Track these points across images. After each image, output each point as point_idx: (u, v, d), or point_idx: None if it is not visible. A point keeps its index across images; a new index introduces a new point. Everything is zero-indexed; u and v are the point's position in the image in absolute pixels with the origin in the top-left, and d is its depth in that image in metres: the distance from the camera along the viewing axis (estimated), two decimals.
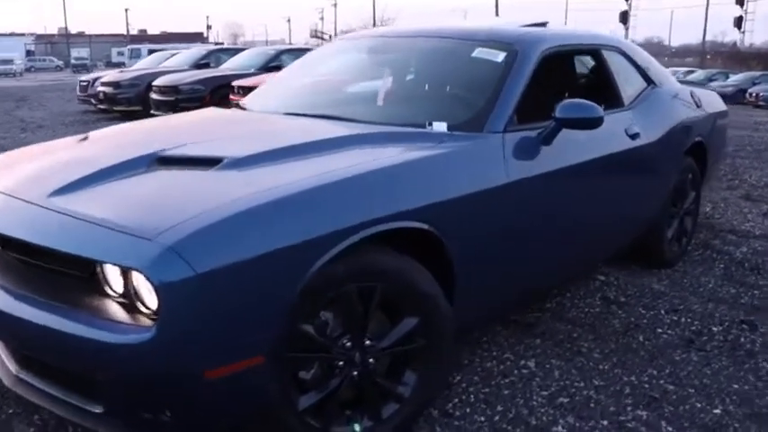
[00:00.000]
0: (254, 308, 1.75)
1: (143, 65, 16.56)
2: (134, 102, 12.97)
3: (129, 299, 1.77)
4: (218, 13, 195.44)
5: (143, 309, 1.74)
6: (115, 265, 1.72)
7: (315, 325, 1.99)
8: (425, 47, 3.16)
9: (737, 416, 2.46)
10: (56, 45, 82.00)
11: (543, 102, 2.74)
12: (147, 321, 1.71)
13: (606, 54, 3.43)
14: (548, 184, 2.64)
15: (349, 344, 2.06)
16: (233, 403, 1.85)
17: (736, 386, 2.67)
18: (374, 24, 71.27)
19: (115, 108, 13.04)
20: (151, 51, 23.18)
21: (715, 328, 3.21)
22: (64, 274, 1.89)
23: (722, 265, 4.18)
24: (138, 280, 1.72)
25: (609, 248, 3.46)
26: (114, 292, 1.81)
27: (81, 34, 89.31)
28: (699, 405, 2.52)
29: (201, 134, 2.60)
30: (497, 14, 52.85)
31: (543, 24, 3.45)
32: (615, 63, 3.48)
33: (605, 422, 2.39)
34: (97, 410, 1.89)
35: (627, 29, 44.06)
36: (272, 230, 1.78)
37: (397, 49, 3.28)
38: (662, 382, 2.69)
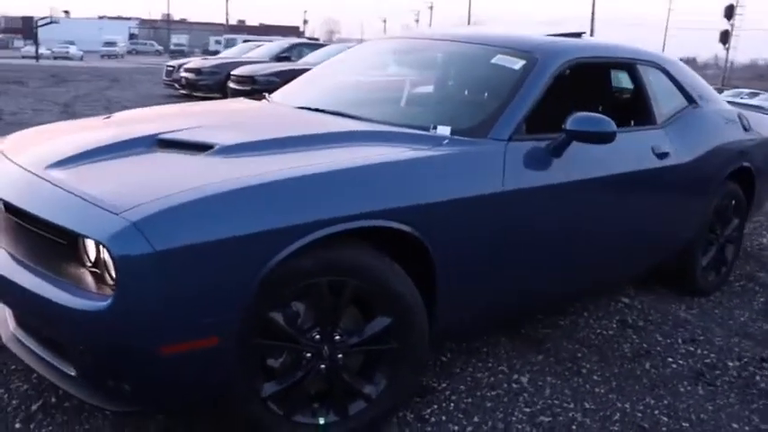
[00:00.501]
0: (211, 290, 1.80)
1: (227, 54, 17.13)
2: (214, 89, 13.41)
3: (100, 269, 1.86)
4: (317, 9, 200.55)
5: (109, 280, 1.82)
6: (82, 235, 1.81)
7: (284, 314, 2.03)
8: (449, 51, 3.15)
9: None
10: (158, 30, 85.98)
11: (564, 113, 2.67)
12: (109, 291, 1.79)
13: (641, 69, 3.31)
14: (553, 196, 2.58)
15: (318, 337, 2.09)
16: (189, 381, 1.90)
17: (735, 425, 2.54)
18: None
19: (195, 94, 13.53)
20: (246, 42, 24.07)
21: (731, 363, 3.05)
22: (51, 241, 1.99)
23: (762, 299, 3.96)
24: (107, 251, 1.81)
25: (627, 269, 3.34)
26: (89, 261, 1.91)
27: (183, 21, 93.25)
28: None
29: (212, 120, 2.68)
30: (592, 28, 51.85)
31: (578, 35, 3.37)
32: (651, 79, 3.34)
33: None
34: (72, 374, 2.00)
35: (727, 49, 42.09)
36: (237, 217, 1.82)
37: (422, 52, 3.27)
38: (656, 412, 2.59)
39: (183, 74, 13.91)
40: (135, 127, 2.46)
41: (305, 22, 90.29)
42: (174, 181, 1.93)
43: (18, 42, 61.68)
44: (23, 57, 41.48)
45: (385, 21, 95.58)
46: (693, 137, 3.41)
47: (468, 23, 72.38)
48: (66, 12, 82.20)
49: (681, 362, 3.03)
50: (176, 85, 14.60)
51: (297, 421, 2.12)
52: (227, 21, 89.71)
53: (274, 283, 1.93)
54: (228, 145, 2.16)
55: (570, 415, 2.51)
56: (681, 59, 4.04)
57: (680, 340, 3.26)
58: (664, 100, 3.39)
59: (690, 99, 3.55)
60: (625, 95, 3.66)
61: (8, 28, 69.35)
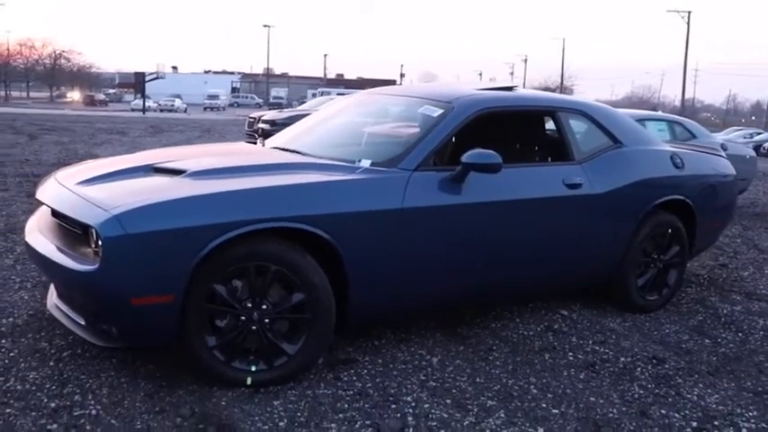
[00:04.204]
0: (166, 262, 2.69)
1: (304, 107, 18.59)
2: None
3: (97, 247, 2.79)
4: (415, 63, 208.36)
5: (101, 254, 2.75)
6: (87, 225, 2.75)
7: (227, 287, 2.89)
8: (395, 103, 4.00)
9: (568, 417, 2.95)
10: (259, 84, 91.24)
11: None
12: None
13: (562, 115, 4.01)
14: (450, 214, 3.33)
15: (250, 305, 2.93)
16: (155, 326, 2.79)
17: (592, 399, 3.14)
18: (561, 81, 73.01)
19: None
20: (340, 94, 26.06)
21: (623, 359, 3.62)
22: (74, 232, 2.96)
23: (700, 318, 4.44)
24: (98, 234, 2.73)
25: (537, 282, 3.94)
26: (93, 242, 2.85)
27: (284, 75, 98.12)
28: (544, 405, 3.05)
29: (200, 156, 3.65)
30: (684, 77, 51.26)
31: (510, 89, 4.13)
32: (573, 124, 4.04)
33: (449, 401, 3.01)
34: (82, 322, 2.94)
35: None
36: (185, 215, 2.72)
37: (377, 104, 4.14)
38: (531, 387, 3.23)
39: (261, 125, 15.29)
40: (143, 160, 3.45)
41: (402, 75, 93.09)
42: (151, 192, 2.87)
43: (128, 96, 67.54)
44: (132, 109, 45.65)
45: (480, 74, 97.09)
46: (611, 171, 4.05)
47: (562, 76, 73.48)
48: (175, 67, 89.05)
49: (579, 356, 3.64)
50: (256, 135, 16.06)
51: (235, 366, 2.96)
52: (324, 74, 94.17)
53: (215, 264, 2.81)
54: (196, 170, 3.10)
55: (446, 385, 3.17)
56: None
57: (590, 342, 3.86)
58: (584, 141, 4.07)
59: (615, 140, 4.20)
60: (544, 137, 4.35)
61: (122, 83, 76.13)
